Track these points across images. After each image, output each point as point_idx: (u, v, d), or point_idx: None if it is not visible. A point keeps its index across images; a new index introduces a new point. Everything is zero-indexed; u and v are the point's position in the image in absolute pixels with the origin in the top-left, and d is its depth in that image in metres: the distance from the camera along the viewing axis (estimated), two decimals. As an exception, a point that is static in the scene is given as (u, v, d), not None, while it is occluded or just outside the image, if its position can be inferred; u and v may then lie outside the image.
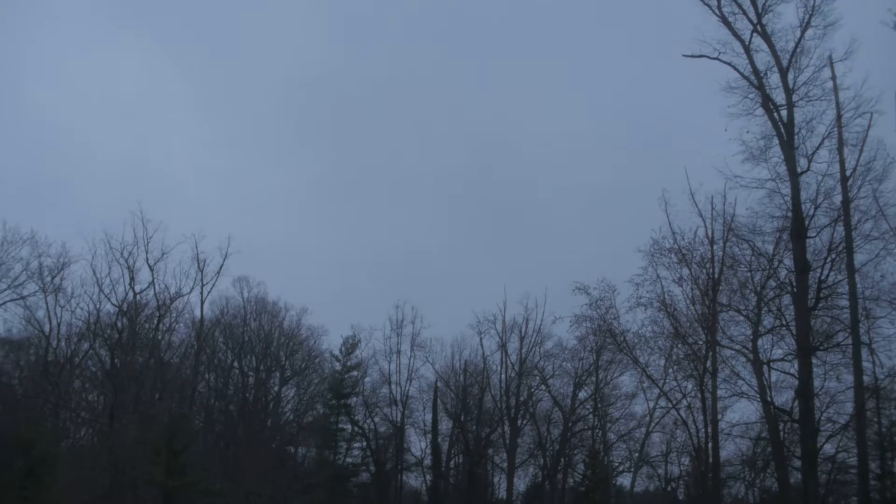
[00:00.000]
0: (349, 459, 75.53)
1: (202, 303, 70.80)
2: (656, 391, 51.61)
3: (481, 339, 69.24)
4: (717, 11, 39.11)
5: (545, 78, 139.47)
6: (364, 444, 74.86)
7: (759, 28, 38.37)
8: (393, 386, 73.08)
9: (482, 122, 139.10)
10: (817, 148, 37.51)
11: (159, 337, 69.92)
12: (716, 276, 42.95)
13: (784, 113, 37.90)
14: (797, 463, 38.30)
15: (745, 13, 38.72)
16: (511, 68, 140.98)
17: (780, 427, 39.88)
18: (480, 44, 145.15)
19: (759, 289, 41.74)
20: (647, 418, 57.97)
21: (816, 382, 36.97)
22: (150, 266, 65.42)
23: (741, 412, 46.40)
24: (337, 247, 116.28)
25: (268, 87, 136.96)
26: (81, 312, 63.69)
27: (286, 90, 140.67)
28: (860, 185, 36.62)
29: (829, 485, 39.39)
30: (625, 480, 66.45)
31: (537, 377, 68.01)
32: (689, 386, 46.31)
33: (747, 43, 38.73)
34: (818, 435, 36.10)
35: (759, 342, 41.27)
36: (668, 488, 61.59)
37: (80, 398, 62.98)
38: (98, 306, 63.73)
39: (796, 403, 38.00)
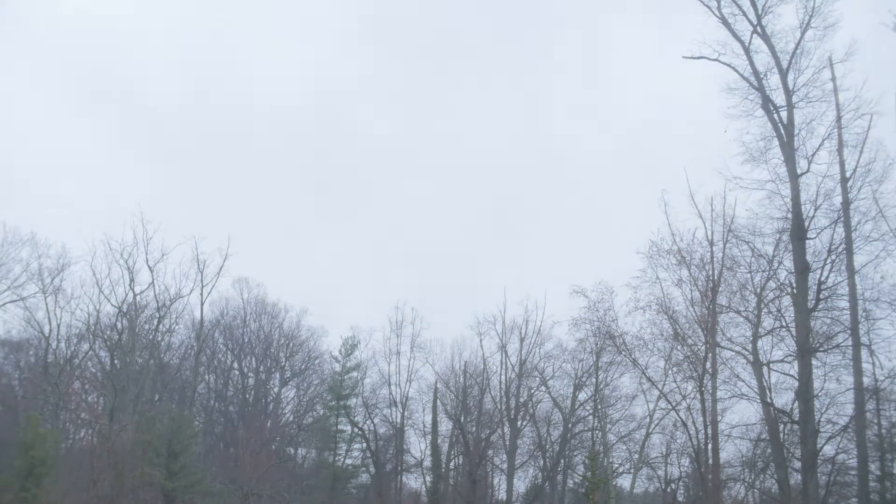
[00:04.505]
0: (349, 461, 75.75)
1: (202, 304, 70.86)
2: (656, 393, 51.62)
3: (481, 341, 69.22)
4: (717, 13, 39.15)
5: (542, 78, 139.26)
6: (364, 445, 74.98)
7: (758, 29, 38.37)
8: (393, 387, 73.07)
9: (480, 123, 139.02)
10: (817, 149, 37.60)
11: (159, 338, 69.99)
12: (715, 277, 43.02)
13: (784, 114, 37.90)
14: (797, 464, 38.23)
15: (744, 14, 38.74)
16: (508, 68, 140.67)
17: (780, 428, 39.85)
18: (475, 43, 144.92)
19: (758, 290, 41.79)
20: (647, 420, 58.03)
21: (816, 384, 36.92)
22: (149, 267, 65.34)
23: (741, 413, 46.57)
24: (336, 247, 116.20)
25: (262, 88, 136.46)
26: (81, 313, 63.72)
27: (282, 89, 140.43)
28: (860, 186, 36.76)
29: (829, 486, 39.29)
30: (625, 482, 66.62)
31: (537, 378, 68.00)
32: (689, 387, 46.33)
33: (747, 44, 38.75)
34: (818, 436, 36.04)
35: (759, 343, 41.40)
36: (668, 489, 61.55)
37: (80, 399, 62.96)
38: (98, 307, 63.72)
39: (796, 405, 38.01)
